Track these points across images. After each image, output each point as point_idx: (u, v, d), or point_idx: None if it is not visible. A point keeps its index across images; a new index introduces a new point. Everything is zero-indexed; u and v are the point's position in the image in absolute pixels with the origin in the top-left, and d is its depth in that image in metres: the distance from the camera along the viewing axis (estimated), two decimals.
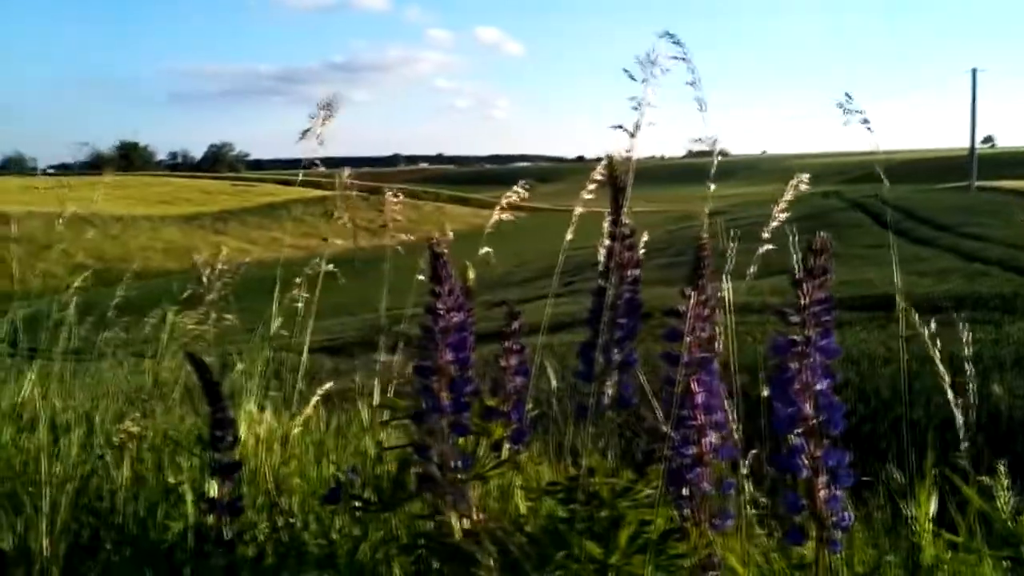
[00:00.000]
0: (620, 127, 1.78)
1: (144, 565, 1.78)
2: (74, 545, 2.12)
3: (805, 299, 1.31)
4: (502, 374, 1.81)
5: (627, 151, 1.68)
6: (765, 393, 2.05)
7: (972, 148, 60.69)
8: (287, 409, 2.97)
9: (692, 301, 1.61)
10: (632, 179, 1.66)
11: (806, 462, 1.26)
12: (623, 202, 1.65)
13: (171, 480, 2.29)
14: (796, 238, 2.22)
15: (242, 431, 2.60)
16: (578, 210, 2.26)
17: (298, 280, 3.93)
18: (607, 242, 1.70)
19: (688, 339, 1.60)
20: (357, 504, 1.66)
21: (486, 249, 2.67)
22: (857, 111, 2.03)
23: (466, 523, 1.63)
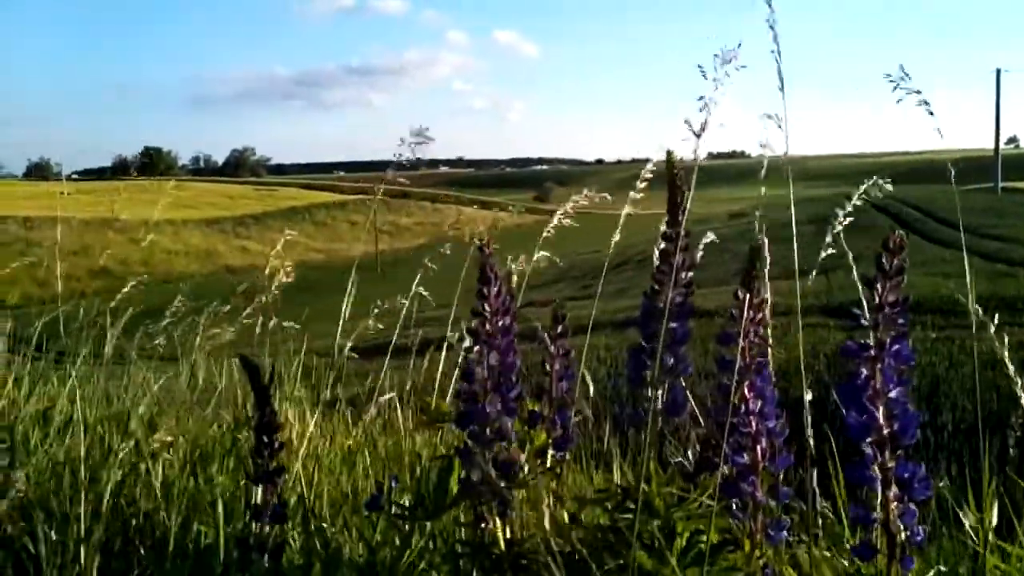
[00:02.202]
0: (687, 124, 1.72)
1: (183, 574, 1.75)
2: (107, 553, 2.10)
3: (879, 300, 1.25)
4: (545, 378, 1.76)
5: (693, 151, 1.63)
6: (808, 396, 2.00)
7: (996, 149, 59.96)
8: (322, 413, 2.95)
9: (746, 303, 1.57)
10: (694, 181, 1.61)
11: (878, 473, 1.20)
12: (683, 203, 1.60)
13: (205, 488, 2.26)
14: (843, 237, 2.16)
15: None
16: (627, 210, 2.22)
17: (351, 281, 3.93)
18: (661, 244, 1.65)
19: (742, 343, 1.55)
20: (398, 512, 1.62)
21: (543, 253, 2.64)
22: (915, 91, 1.96)
23: (509, 532, 1.59)
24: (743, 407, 1.53)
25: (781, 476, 1.53)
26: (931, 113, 2.09)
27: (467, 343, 1.61)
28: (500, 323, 1.54)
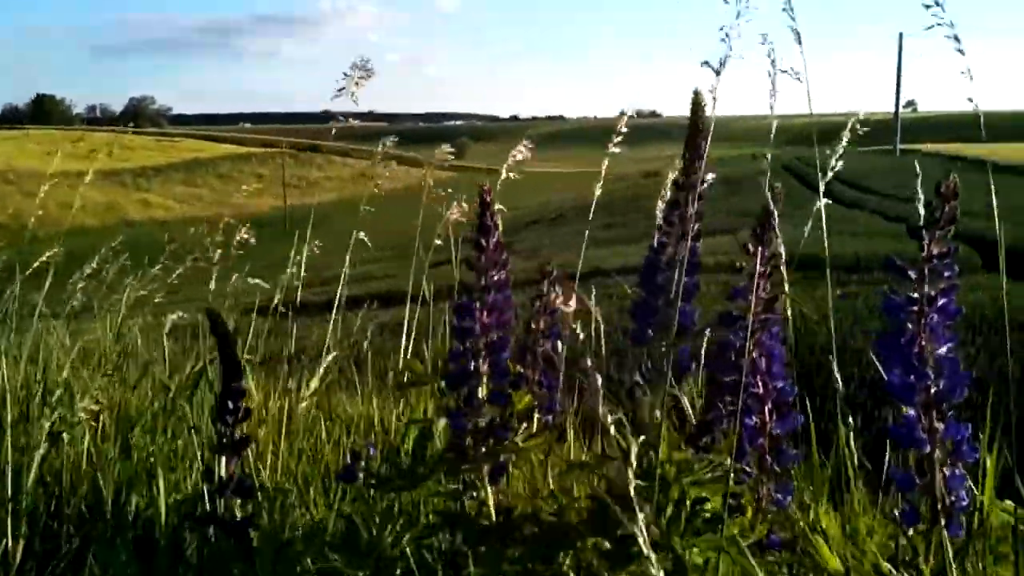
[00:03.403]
0: (707, 64, 1.58)
1: (126, 551, 1.57)
2: (35, 530, 1.89)
3: (925, 251, 1.16)
4: (530, 336, 1.63)
5: (711, 90, 1.49)
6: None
7: (896, 112, 62.13)
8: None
9: (758, 257, 1.47)
10: (713, 125, 1.49)
11: (924, 435, 1.12)
12: (703, 147, 1.48)
13: (142, 456, 2.06)
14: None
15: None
16: (605, 164, 2.13)
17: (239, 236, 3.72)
18: (670, 192, 1.53)
19: (751, 298, 1.46)
20: (374, 482, 1.48)
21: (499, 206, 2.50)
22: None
23: (501, 500, 1.47)
24: (751, 367, 1.44)
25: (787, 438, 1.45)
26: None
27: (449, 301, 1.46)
28: (496, 277, 1.40)
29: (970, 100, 2.03)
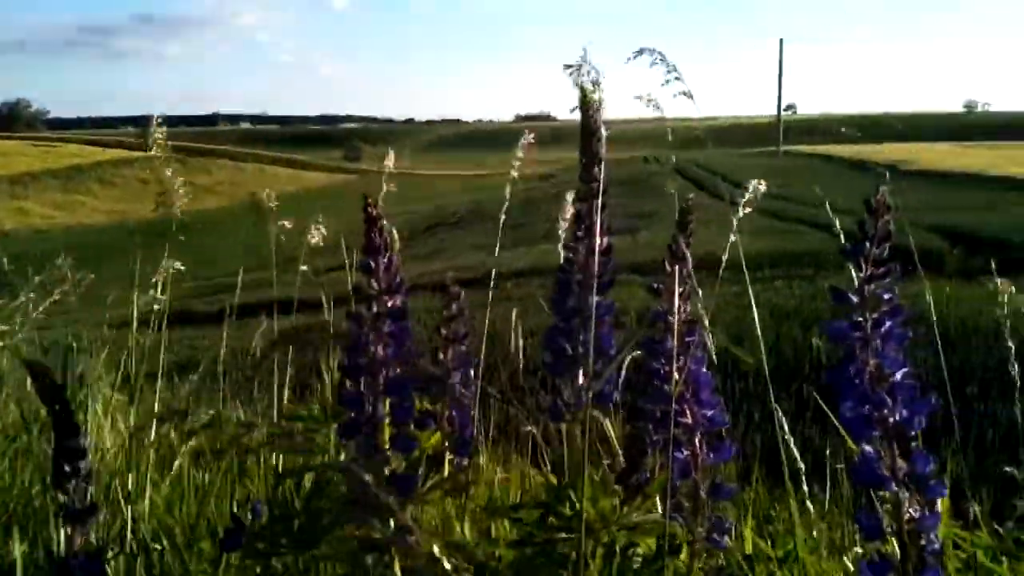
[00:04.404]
0: (570, 68, 1.45)
1: None
2: None
3: (865, 272, 1.05)
4: (438, 367, 1.45)
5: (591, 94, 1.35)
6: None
7: (779, 115, 64.70)
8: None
9: (675, 275, 1.33)
10: (605, 131, 1.34)
11: (887, 472, 1.00)
12: (598, 151, 1.32)
13: None
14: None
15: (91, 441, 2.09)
16: (514, 174, 2.01)
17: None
18: (571, 206, 1.38)
19: (672, 320, 1.32)
20: (262, 547, 1.27)
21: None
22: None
23: (407, 559, 1.28)
24: (677, 396, 1.31)
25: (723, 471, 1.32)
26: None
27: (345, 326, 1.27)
28: (391, 304, 1.21)
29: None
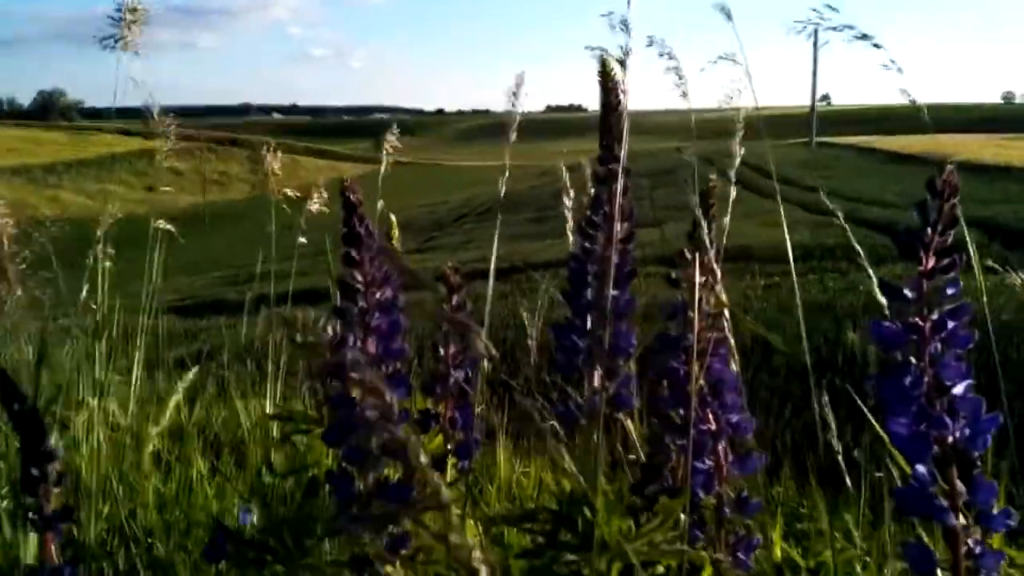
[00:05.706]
0: (598, 49, 1.33)
1: None
2: None
3: (925, 266, 0.92)
4: (439, 364, 1.35)
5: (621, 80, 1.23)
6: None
7: (813, 106, 63.62)
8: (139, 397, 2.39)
9: (696, 264, 1.22)
10: (627, 115, 1.22)
11: (944, 501, 0.87)
12: (619, 130, 1.21)
13: None
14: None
15: (80, 432, 2.03)
16: (507, 160, 1.94)
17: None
18: (592, 188, 1.26)
19: (692, 315, 1.21)
20: (251, 555, 1.18)
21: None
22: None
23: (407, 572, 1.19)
24: (699, 398, 1.19)
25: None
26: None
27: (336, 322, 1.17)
28: (379, 297, 1.11)
29: (904, 92, 1.94)
